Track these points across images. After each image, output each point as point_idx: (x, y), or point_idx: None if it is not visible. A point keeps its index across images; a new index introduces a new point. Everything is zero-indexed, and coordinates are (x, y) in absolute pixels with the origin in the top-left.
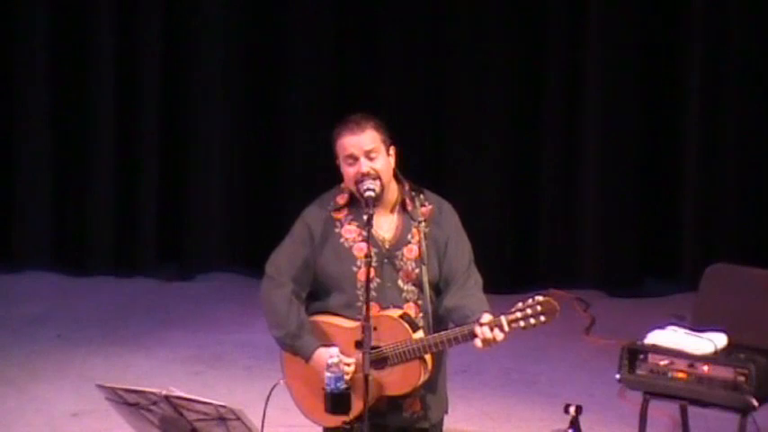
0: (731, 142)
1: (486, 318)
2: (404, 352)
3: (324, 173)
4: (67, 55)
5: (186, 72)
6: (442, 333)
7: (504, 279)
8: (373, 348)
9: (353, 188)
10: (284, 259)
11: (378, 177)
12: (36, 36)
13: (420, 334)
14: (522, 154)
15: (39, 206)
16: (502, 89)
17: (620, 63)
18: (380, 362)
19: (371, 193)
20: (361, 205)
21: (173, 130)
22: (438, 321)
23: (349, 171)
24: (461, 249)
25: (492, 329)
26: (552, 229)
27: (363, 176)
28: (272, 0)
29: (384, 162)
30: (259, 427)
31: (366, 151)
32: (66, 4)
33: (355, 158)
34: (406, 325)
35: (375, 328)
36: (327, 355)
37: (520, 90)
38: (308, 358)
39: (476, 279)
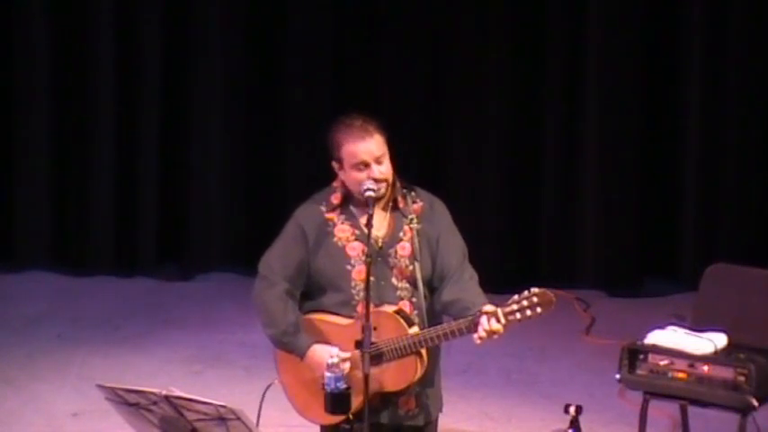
0: (731, 142)
1: (490, 308)
2: (400, 347)
3: (323, 173)
4: (67, 55)
5: (186, 72)
6: (439, 327)
7: (504, 279)
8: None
9: (356, 190)
10: (277, 259)
11: (386, 180)
12: (36, 36)
13: (415, 329)
14: (522, 154)
15: (39, 206)
16: (502, 89)
17: (620, 63)
18: (376, 358)
19: (372, 194)
20: (354, 204)
21: (173, 129)
22: (432, 317)
23: (359, 176)
24: (453, 245)
25: (490, 320)
26: (552, 229)
27: (375, 182)
28: (271, 0)
29: (389, 165)
30: (259, 427)
31: (376, 157)
32: (66, 4)
33: (367, 164)
34: (402, 321)
35: (375, 328)
36: (326, 353)
37: (520, 90)
38: (302, 356)
39: (470, 273)
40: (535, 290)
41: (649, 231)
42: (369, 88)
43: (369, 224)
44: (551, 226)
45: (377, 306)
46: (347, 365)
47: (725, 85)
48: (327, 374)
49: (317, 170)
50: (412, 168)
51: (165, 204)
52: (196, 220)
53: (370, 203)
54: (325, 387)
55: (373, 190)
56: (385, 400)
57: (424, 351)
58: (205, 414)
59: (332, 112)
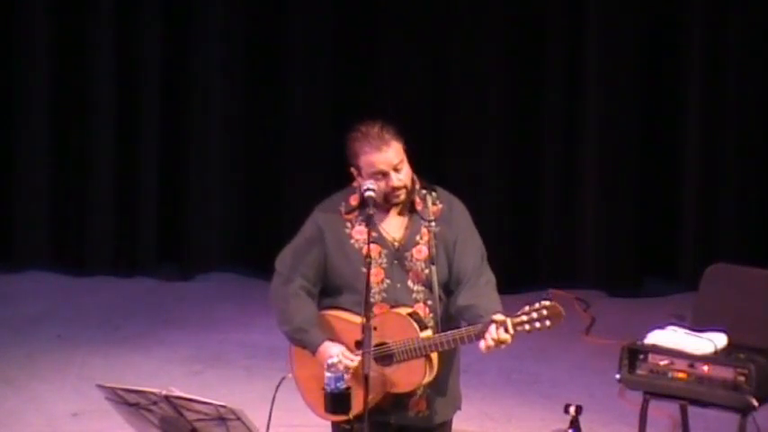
0: (731, 142)
1: (500, 317)
2: (410, 349)
3: (324, 173)
4: (68, 54)
5: (186, 72)
6: (449, 332)
7: (504, 279)
8: (381, 345)
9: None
10: (293, 256)
11: (405, 187)
12: (36, 36)
13: (428, 333)
14: (522, 154)
15: (39, 206)
16: (502, 89)
17: (619, 64)
18: (387, 358)
19: (371, 194)
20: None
21: (173, 129)
22: (448, 321)
23: (378, 185)
24: (472, 248)
25: (498, 330)
26: (552, 229)
27: (394, 190)
28: (272, 0)
29: (408, 169)
30: (258, 427)
31: (394, 165)
32: (66, 4)
33: (385, 174)
34: (414, 323)
35: (375, 328)
36: (335, 349)
37: (520, 90)
38: (314, 352)
39: (488, 278)
40: (545, 303)
41: (649, 231)
42: (369, 88)
43: (368, 224)
44: (551, 226)
45: (392, 308)
46: (354, 363)
47: (725, 86)
48: (327, 374)
49: (318, 171)
50: (411, 167)
51: (165, 204)
52: (196, 220)
53: (370, 204)
54: (325, 387)
55: (373, 190)
56: (395, 401)
57: (434, 355)
58: (205, 414)
59: (332, 112)
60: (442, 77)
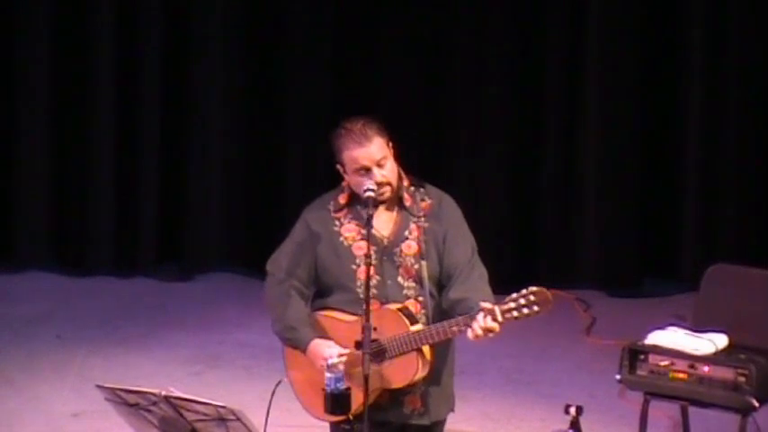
0: (731, 142)
1: (487, 305)
2: (401, 344)
3: (323, 173)
4: (68, 54)
5: (186, 72)
6: (439, 324)
7: (504, 279)
8: (372, 341)
9: (360, 192)
10: (284, 257)
11: (389, 183)
12: (37, 35)
13: (418, 327)
14: (522, 153)
15: (39, 206)
16: (502, 88)
17: (620, 62)
18: (379, 354)
19: (371, 194)
20: (361, 204)
21: (173, 129)
22: (440, 316)
23: (361, 180)
24: (462, 242)
25: (486, 318)
26: (552, 229)
27: (378, 186)
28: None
29: (392, 165)
30: (258, 427)
31: (377, 161)
32: (67, 5)
33: (368, 169)
34: (405, 318)
35: (375, 329)
36: (326, 348)
37: (520, 89)
38: (304, 350)
39: (480, 272)
40: (533, 288)
41: (649, 231)
42: (369, 87)
43: (368, 224)
44: (551, 226)
45: (383, 304)
46: (343, 358)
47: (725, 86)
48: (327, 375)
49: (317, 170)
50: (411, 169)
51: (165, 204)
52: (196, 220)
53: (370, 204)
54: (326, 387)
55: (373, 190)
56: (392, 398)
57: (426, 349)
58: (205, 414)
59: (332, 111)
60: (442, 77)
